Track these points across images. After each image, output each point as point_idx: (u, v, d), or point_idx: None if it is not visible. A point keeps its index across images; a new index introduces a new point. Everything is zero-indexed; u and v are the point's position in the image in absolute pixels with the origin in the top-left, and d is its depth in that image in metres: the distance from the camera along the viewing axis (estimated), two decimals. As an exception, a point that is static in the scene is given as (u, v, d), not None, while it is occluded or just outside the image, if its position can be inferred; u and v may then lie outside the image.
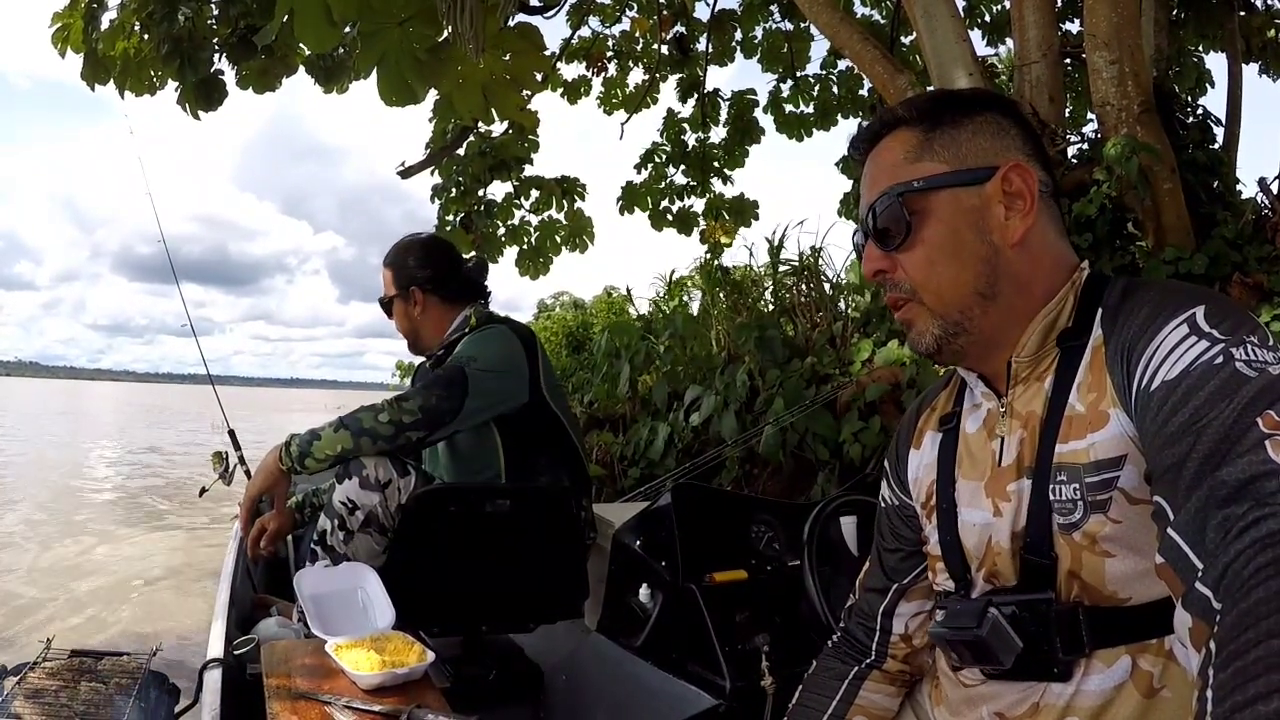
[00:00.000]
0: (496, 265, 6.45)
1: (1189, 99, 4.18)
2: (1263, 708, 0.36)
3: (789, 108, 7.10)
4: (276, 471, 1.62)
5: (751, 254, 8.32)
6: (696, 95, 7.22)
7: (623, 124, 7.25)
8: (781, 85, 7.11)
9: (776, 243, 5.48)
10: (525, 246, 6.60)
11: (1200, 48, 5.91)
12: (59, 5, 4.46)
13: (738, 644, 1.36)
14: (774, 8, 6.94)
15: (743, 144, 7.25)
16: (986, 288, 0.74)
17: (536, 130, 5.91)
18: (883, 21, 6.64)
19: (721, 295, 5.79)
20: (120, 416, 27.48)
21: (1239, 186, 3.71)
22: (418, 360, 2.00)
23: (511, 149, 6.16)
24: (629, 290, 8.40)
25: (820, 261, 5.17)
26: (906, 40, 6.15)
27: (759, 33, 7.09)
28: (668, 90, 7.38)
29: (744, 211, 7.12)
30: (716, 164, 7.25)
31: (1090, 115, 3.64)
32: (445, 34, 2.89)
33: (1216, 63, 7.44)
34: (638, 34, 7.17)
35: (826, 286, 5.10)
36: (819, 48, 6.98)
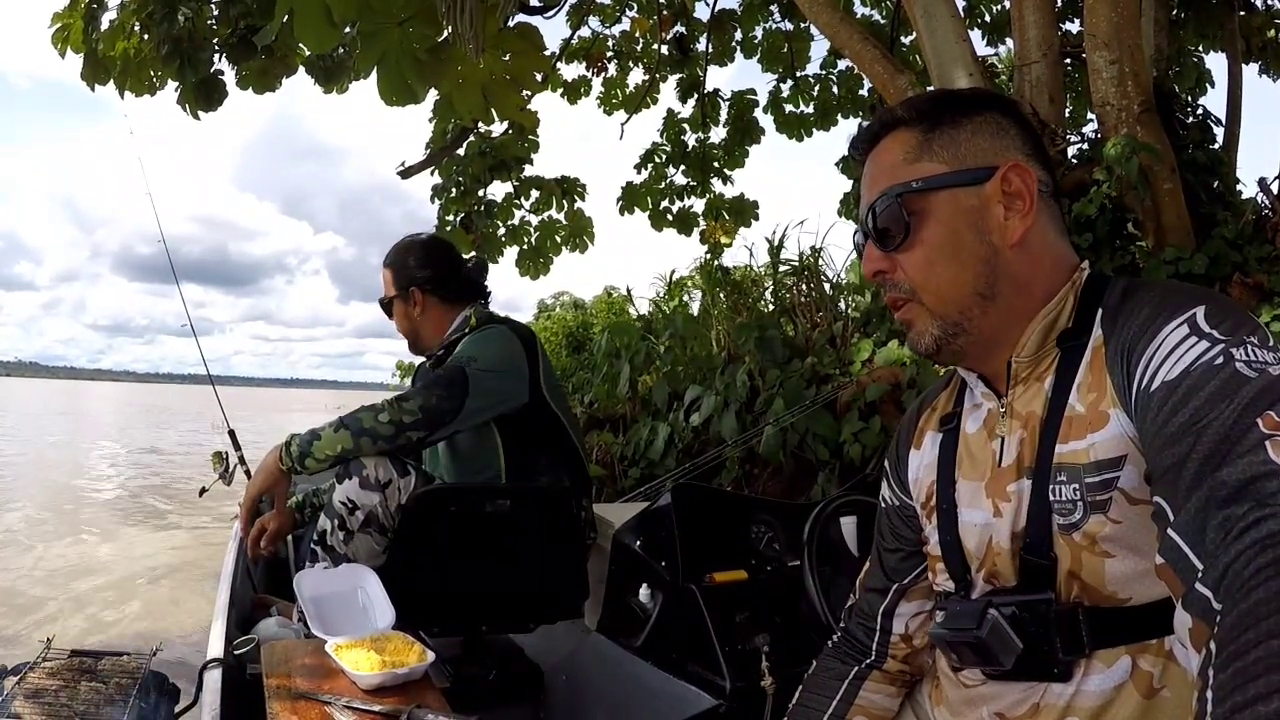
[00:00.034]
0: (496, 265, 6.45)
1: (1189, 99, 4.18)
2: (1263, 708, 0.36)
3: (789, 108, 7.10)
4: (276, 471, 1.62)
5: (752, 254, 8.34)
6: (696, 95, 7.22)
7: (623, 124, 7.25)
8: (781, 85, 7.11)
9: (777, 243, 5.49)
10: (525, 247, 6.60)
11: (1200, 48, 5.90)
12: (59, 5, 4.47)
13: (738, 644, 1.36)
14: (774, 8, 6.94)
15: (743, 144, 7.24)
16: (986, 288, 0.74)
17: (536, 130, 5.91)
18: (883, 21, 6.64)
19: (721, 295, 5.79)
20: (120, 417, 27.48)
21: (1239, 186, 3.72)
22: (418, 360, 2.00)
23: (511, 149, 6.16)
24: (629, 290, 8.41)
25: (820, 261, 5.18)
26: (906, 40, 6.15)
27: (759, 33, 7.09)
28: (668, 90, 7.39)
29: (744, 212, 7.12)
30: (716, 164, 7.24)
31: (1090, 115, 3.65)
32: (445, 34, 2.89)
33: (1216, 63, 7.44)
34: (638, 34, 7.17)
35: (827, 286, 5.10)
36: (819, 48, 7.00)
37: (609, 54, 7.21)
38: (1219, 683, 0.40)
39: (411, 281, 1.88)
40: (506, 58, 3.39)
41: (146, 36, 4.30)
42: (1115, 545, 0.66)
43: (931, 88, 3.72)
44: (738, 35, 7.10)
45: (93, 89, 4.59)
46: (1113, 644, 0.67)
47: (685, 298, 7.00)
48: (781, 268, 5.49)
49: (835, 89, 7.03)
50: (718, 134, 7.31)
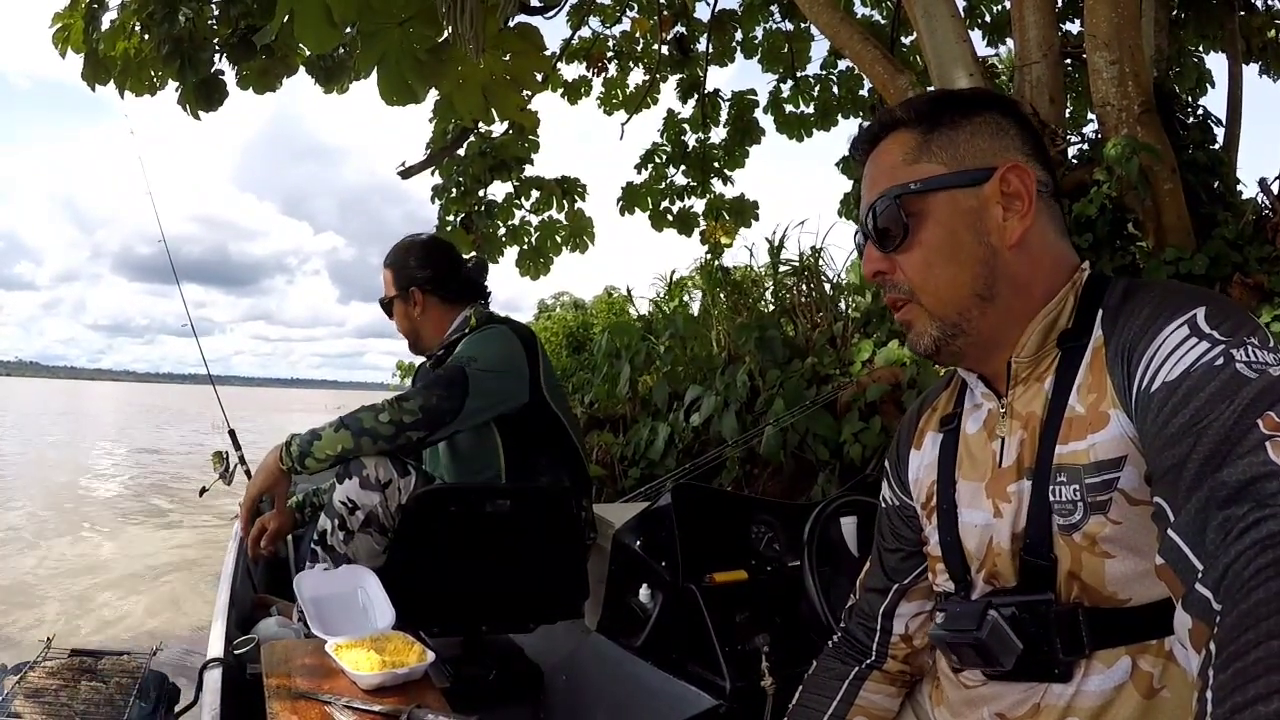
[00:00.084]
0: (496, 265, 6.45)
1: (1189, 99, 4.18)
2: (1263, 708, 0.36)
3: (789, 108, 7.10)
4: (277, 471, 1.62)
5: (752, 254, 8.34)
6: (697, 95, 7.22)
7: (623, 124, 7.25)
8: (782, 85, 7.11)
9: (777, 243, 5.49)
10: (525, 247, 6.60)
11: (1200, 48, 5.90)
12: (59, 5, 4.47)
13: (738, 644, 1.36)
14: (774, 8, 6.93)
15: (743, 144, 7.24)
16: (984, 289, 0.74)
17: (537, 130, 5.92)
18: (883, 21, 6.64)
19: (722, 295, 5.79)
20: (121, 416, 27.49)
21: (1239, 186, 3.72)
22: (418, 360, 2.00)
23: (512, 149, 6.16)
24: (629, 290, 8.41)
25: (820, 262, 5.18)
26: (907, 40, 6.15)
27: (759, 33, 7.09)
28: (668, 90, 7.39)
29: (744, 212, 7.12)
30: (717, 164, 7.24)
31: (1090, 115, 3.65)
32: (445, 34, 2.89)
33: (1216, 63, 7.44)
34: (638, 34, 7.17)
35: (827, 287, 5.10)
36: (819, 48, 6.99)
37: (609, 54, 7.21)
38: (1219, 683, 0.40)
39: (412, 281, 1.88)
40: (507, 58, 3.39)
41: (147, 36, 4.30)
42: (1115, 546, 0.66)
43: (932, 88, 3.72)
44: (738, 35, 7.09)
45: (93, 89, 4.59)
46: (1113, 644, 0.67)
47: (685, 298, 7.00)
48: (782, 268, 5.50)
49: (835, 89, 7.03)
50: (718, 134, 7.31)
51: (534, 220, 6.62)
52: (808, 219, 14.70)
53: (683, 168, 7.25)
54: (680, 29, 7.14)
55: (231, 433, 2.23)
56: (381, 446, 1.59)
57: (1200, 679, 0.42)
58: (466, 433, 1.74)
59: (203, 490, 2.21)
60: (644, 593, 1.54)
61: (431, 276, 1.89)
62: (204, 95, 4.41)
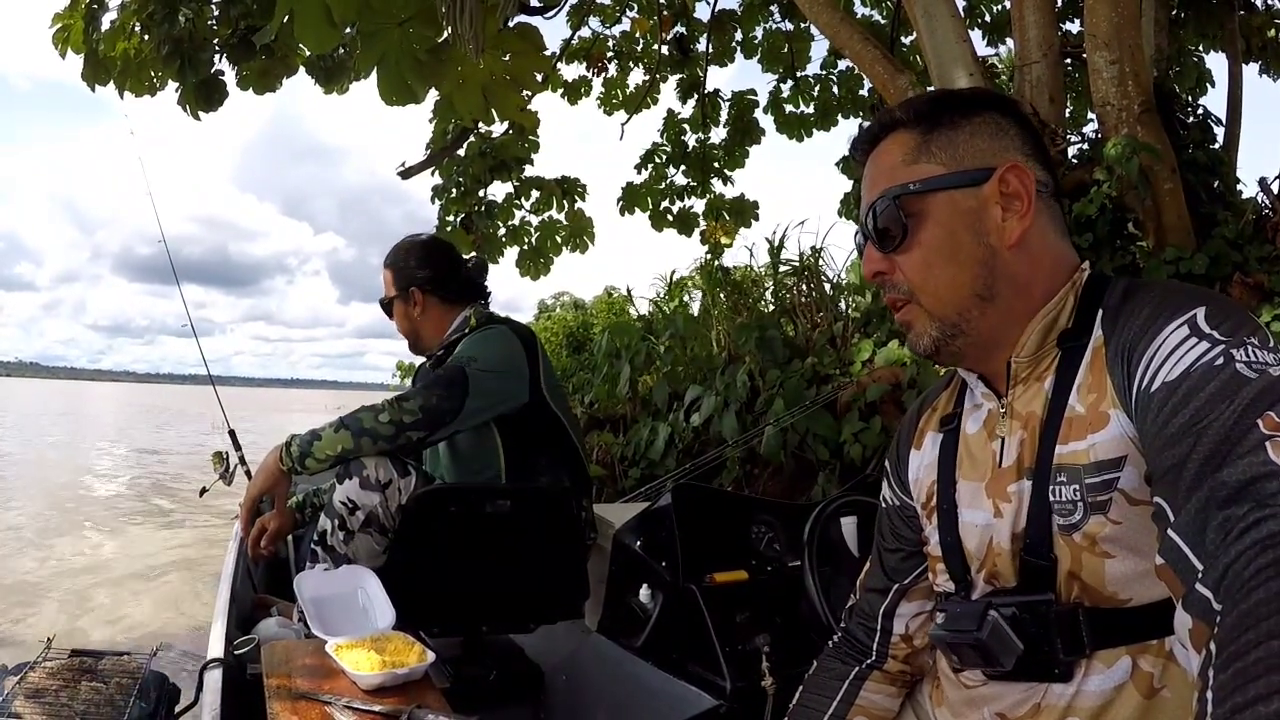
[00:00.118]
0: (496, 265, 6.45)
1: (1189, 99, 4.18)
2: (1263, 709, 0.36)
3: (789, 108, 7.10)
4: (277, 472, 1.62)
5: (752, 254, 8.34)
6: (696, 95, 7.22)
7: (623, 124, 7.25)
8: (782, 85, 7.11)
9: (777, 243, 5.49)
10: (525, 247, 6.60)
11: (1200, 48, 5.90)
12: (59, 5, 4.47)
13: (738, 644, 1.36)
14: (774, 8, 6.93)
15: (743, 144, 7.24)
16: (984, 289, 0.74)
17: (537, 131, 5.92)
18: (883, 21, 6.64)
19: (722, 296, 5.79)
20: (121, 417, 27.49)
21: (1239, 186, 3.72)
22: (418, 360, 2.00)
23: (512, 149, 6.16)
24: (629, 290, 8.40)
25: (821, 262, 5.18)
26: (907, 40, 6.15)
27: (759, 33, 7.08)
28: (668, 91, 7.38)
29: (744, 212, 7.12)
30: (717, 164, 7.24)
31: (1090, 115, 3.65)
32: (445, 34, 2.89)
33: (1216, 63, 7.44)
34: (638, 34, 7.17)
35: (827, 287, 5.10)
36: (819, 48, 6.99)
37: (609, 54, 7.21)
38: (1219, 683, 0.40)
39: (411, 282, 1.88)
40: (506, 58, 3.39)
41: (147, 37, 4.30)
42: (1115, 546, 0.66)
43: (932, 88, 3.72)
44: (738, 35, 7.09)
45: (93, 89, 4.59)
46: (1113, 644, 0.67)
47: (685, 298, 7.00)
48: (782, 268, 5.50)
49: (835, 89, 7.03)
50: (718, 134, 7.31)
51: (534, 220, 6.62)
52: (808, 219, 14.70)
53: (683, 168, 7.24)
54: (680, 29, 7.14)
55: (231, 433, 2.23)
56: (381, 447, 1.59)
57: (1200, 679, 0.42)
58: (466, 433, 1.74)
59: (203, 490, 2.21)
60: (644, 593, 1.54)
61: (431, 277, 1.89)
62: (204, 95, 4.41)
